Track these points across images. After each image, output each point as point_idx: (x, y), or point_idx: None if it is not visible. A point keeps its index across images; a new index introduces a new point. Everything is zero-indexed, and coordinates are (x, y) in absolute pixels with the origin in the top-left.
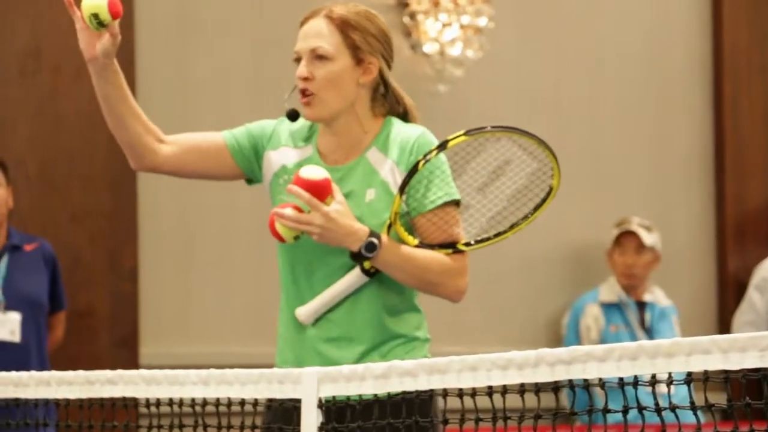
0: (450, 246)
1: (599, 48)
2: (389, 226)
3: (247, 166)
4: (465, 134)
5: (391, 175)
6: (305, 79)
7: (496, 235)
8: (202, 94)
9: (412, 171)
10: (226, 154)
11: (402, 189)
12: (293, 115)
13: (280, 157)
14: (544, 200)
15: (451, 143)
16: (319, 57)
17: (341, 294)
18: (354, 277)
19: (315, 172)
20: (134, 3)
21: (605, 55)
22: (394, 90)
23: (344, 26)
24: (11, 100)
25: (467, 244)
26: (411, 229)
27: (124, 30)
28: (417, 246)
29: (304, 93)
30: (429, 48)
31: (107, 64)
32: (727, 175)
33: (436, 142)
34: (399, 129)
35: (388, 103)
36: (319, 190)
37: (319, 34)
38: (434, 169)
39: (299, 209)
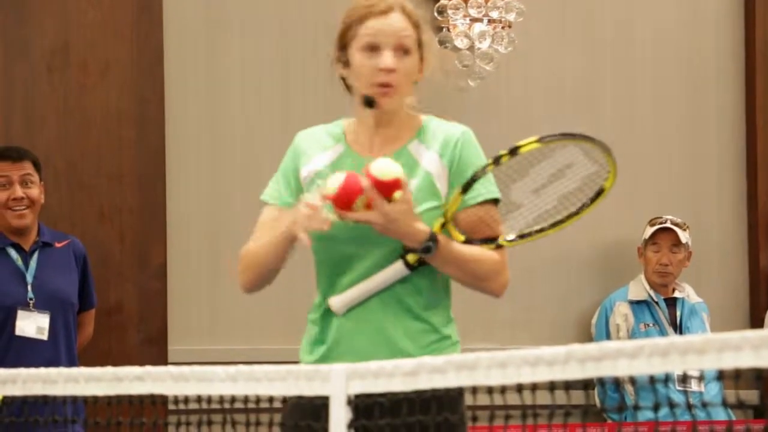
0: (491, 241)
1: (630, 44)
2: (443, 225)
3: None
4: (537, 141)
5: (434, 166)
6: (391, 70)
7: (538, 231)
8: (230, 93)
9: (480, 174)
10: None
11: (465, 189)
12: (371, 102)
13: (312, 166)
14: (593, 200)
15: (522, 150)
16: (404, 51)
17: (379, 286)
18: (395, 269)
19: (385, 170)
20: (163, 1)
21: (636, 51)
22: None
23: (417, 23)
24: (39, 96)
25: (509, 240)
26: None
27: (152, 29)
28: (464, 242)
29: (385, 84)
30: (459, 43)
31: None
32: (759, 171)
33: (476, 141)
34: (440, 125)
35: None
36: (387, 189)
37: (404, 28)
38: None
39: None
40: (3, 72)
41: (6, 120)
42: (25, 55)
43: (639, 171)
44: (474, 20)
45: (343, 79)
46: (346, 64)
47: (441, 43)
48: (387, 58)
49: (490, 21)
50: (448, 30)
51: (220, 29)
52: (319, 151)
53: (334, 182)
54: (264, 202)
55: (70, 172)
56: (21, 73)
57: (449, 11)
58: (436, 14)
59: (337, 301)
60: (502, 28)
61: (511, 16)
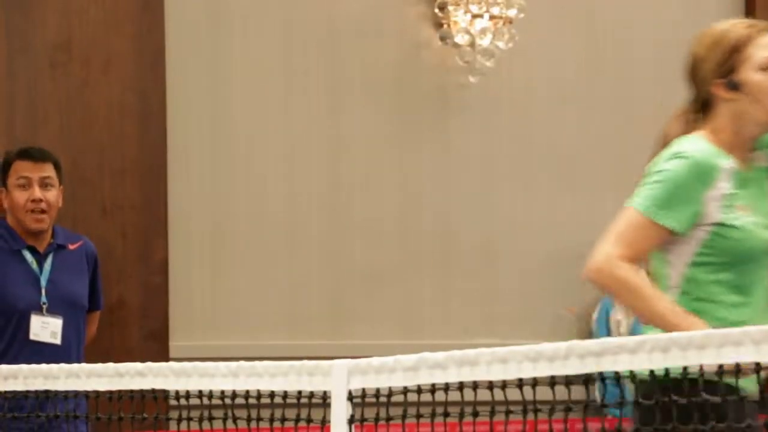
0: None
1: (631, 40)
2: None
3: None
4: None
5: None
6: None
7: None
8: (232, 88)
9: None
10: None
11: None
12: None
13: (719, 187)
14: None
15: None
16: None
17: None
18: None
19: None
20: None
21: (636, 46)
22: None
23: None
24: (42, 92)
25: None
26: None
27: (154, 24)
28: None
29: None
30: (459, 39)
31: None
32: None
33: None
34: None
35: None
36: None
37: None
38: None
39: None
40: (6, 68)
41: (9, 115)
42: (27, 50)
43: (637, 166)
44: (475, 16)
45: (708, 98)
46: (734, 87)
47: (442, 39)
48: None
49: (491, 17)
50: (449, 26)
51: (221, 24)
52: (717, 172)
53: None
54: (641, 212)
55: (72, 168)
56: (24, 69)
57: (450, 7)
58: (437, 10)
59: None
60: (503, 24)
61: (512, 12)
